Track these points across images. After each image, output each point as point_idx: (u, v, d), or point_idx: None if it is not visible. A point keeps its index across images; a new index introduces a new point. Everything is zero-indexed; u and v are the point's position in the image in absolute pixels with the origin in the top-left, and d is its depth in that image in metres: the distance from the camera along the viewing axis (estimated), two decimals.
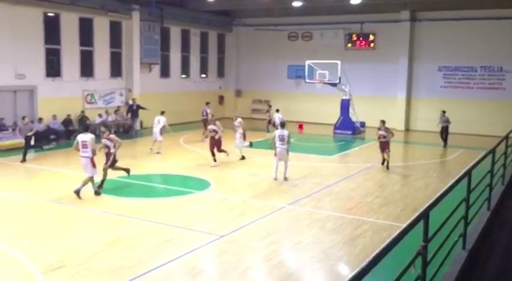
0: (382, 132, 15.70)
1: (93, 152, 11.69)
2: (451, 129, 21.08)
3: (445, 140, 20.87)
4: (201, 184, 13.28)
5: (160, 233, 9.38)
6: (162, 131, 18.06)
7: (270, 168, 14.25)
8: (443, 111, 21.05)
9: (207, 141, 16.69)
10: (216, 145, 15.95)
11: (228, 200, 11.95)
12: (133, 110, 23.06)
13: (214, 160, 15.78)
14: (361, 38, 27.44)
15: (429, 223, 4.35)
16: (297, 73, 28.25)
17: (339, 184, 13.89)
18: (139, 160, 16.91)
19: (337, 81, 24.69)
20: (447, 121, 20.82)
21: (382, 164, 15.92)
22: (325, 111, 27.58)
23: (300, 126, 26.33)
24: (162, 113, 18.60)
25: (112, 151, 12.44)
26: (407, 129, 26.47)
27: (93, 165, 11.68)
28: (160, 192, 13.01)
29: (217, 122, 16.31)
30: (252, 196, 12.11)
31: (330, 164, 16.98)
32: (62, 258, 8.02)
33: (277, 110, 23.35)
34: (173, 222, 10.03)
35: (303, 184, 13.80)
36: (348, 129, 24.40)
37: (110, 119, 22.57)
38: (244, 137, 17.72)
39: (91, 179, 11.74)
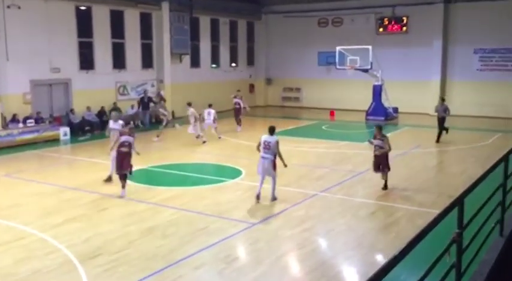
0: (377, 142, 11.58)
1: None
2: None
3: (439, 134, 17.47)
4: (233, 173, 13.35)
5: (193, 221, 9.50)
6: (216, 120, 18.57)
7: (303, 155, 14.17)
8: (443, 99, 18.40)
9: (241, 133, 17.08)
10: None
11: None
12: (145, 102, 22.53)
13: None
14: (393, 22, 26.87)
15: (464, 210, 4.25)
16: (328, 60, 27.94)
17: (371, 171, 13.73)
18: (171, 150, 17.12)
19: (369, 66, 24.32)
20: (446, 111, 17.51)
21: (383, 188, 11.61)
22: (356, 97, 27.23)
23: (331, 113, 26.13)
24: (210, 105, 18.97)
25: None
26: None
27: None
28: (193, 181, 13.14)
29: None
30: (284, 183, 12.09)
31: (361, 151, 16.77)
32: (98, 246, 8.23)
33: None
34: (206, 210, 10.14)
35: (335, 171, 13.70)
36: (380, 115, 24.04)
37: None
38: (197, 126, 18.06)
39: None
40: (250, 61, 31.24)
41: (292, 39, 29.89)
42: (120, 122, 13.54)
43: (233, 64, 29.81)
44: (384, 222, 9.51)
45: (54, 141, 18.49)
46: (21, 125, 18.06)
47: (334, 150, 16.65)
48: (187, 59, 26.22)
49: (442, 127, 17.50)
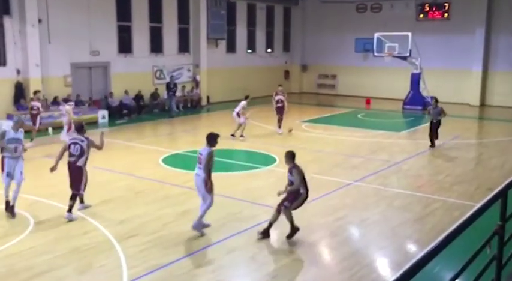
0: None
1: None
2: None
3: (432, 139, 14.76)
4: (267, 159, 13.35)
5: (227, 206, 9.57)
6: (240, 115, 16.11)
7: (337, 144, 14.05)
8: (436, 101, 14.86)
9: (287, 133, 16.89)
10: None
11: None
12: (171, 88, 21.76)
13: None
14: (434, 8, 26.14)
15: (507, 202, 4.14)
16: (365, 46, 27.47)
17: (407, 161, 13.50)
18: (204, 135, 17.21)
19: (408, 54, 23.79)
20: (441, 114, 14.57)
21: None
22: (394, 85, 26.74)
23: (367, 102, 25.75)
24: (246, 97, 16.67)
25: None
26: (482, 105, 25.15)
27: None
28: (226, 167, 13.21)
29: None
30: (317, 171, 12.03)
31: (398, 141, 16.51)
32: (134, 227, 8.41)
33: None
34: (239, 196, 10.19)
35: (370, 160, 13.53)
36: (418, 104, 23.53)
37: (179, 93, 23.12)
38: (69, 128, 14.47)
39: None
40: (286, 47, 31.02)
41: (329, 25, 29.49)
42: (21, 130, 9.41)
43: (269, 50, 29.67)
44: (420, 213, 9.35)
45: (93, 124, 18.90)
46: (61, 107, 18.49)
47: (370, 139, 16.43)
48: (223, 44, 26.24)
49: (435, 132, 14.69)
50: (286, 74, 31.03)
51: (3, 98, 17.48)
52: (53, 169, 8.84)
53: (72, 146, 8.87)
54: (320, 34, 29.97)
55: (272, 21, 29.62)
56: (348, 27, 28.67)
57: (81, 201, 9.31)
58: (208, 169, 8.03)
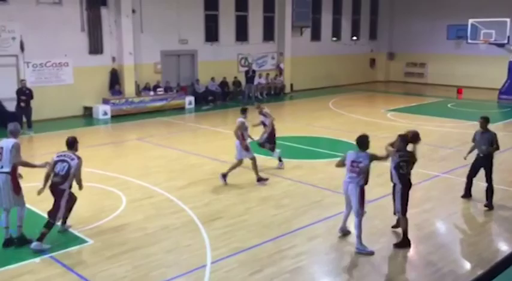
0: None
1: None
2: None
3: (487, 198, 8.95)
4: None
5: (308, 194, 9.59)
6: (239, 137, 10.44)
7: (425, 134, 13.36)
8: (485, 121, 9.64)
9: (359, 108, 16.35)
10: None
11: (378, 165, 11.63)
12: (249, 76, 21.99)
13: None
14: None
15: None
16: (458, 33, 26.02)
17: (501, 154, 12.68)
18: (288, 122, 17.30)
19: (505, 41, 22.25)
20: (491, 143, 9.24)
21: None
22: (488, 74, 25.16)
23: (459, 91, 24.50)
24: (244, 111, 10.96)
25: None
26: None
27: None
28: (308, 154, 13.21)
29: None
30: None
31: None
32: (218, 210, 8.70)
33: None
34: (321, 184, 10.17)
35: (460, 152, 12.87)
36: None
37: (262, 81, 23.37)
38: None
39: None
40: (373, 35, 30.20)
41: (419, 12, 28.26)
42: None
43: (354, 37, 29.04)
44: None
45: (180, 109, 19.69)
46: (152, 93, 19.44)
47: (461, 130, 15.63)
48: (307, 32, 26.06)
49: (488, 178, 9.05)
50: (372, 62, 30.27)
51: (100, 84, 18.65)
52: (39, 193, 7.17)
53: (59, 164, 7.15)
54: (409, 21, 28.82)
55: (358, 8, 28.91)
56: (439, 13, 27.29)
57: (63, 222, 7.63)
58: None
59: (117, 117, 17.95)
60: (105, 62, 18.79)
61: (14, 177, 7.09)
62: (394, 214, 7.49)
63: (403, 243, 7.27)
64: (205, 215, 8.39)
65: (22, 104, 15.36)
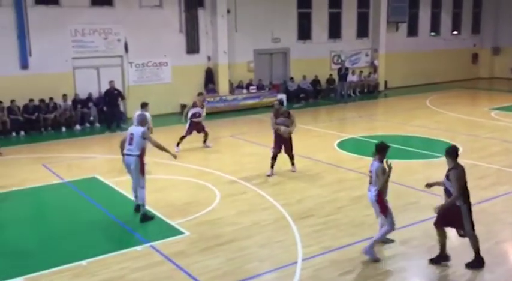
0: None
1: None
2: None
3: None
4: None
5: (403, 195, 9.28)
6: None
7: None
8: None
9: (459, 107, 15.54)
10: None
11: (479, 167, 11.03)
12: (341, 74, 21.18)
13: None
14: None
15: None
16: None
17: None
18: (380, 121, 16.85)
19: None
20: None
21: None
22: None
23: None
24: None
25: None
26: None
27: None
28: (403, 154, 12.77)
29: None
30: (506, 164, 10.91)
31: None
32: (310, 208, 8.70)
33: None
34: (417, 185, 9.76)
35: None
36: None
37: (355, 79, 22.95)
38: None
39: None
40: (475, 29, 28.45)
41: None
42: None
43: (455, 32, 27.55)
44: None
45: (272, 107, 19.82)
46: (244, 91, 19.86)
47: None
48: (404, 27, 25.18)
49: None
50: (474, 57, 28.54)
51: (196, 82, 19.37)
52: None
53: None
54: None
55: (460, 1, 27.37)
56: None
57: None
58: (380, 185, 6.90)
59: (211, 114, 18.49)
60: (201, 61, 19.49)
61: (141, 160, 8.17)
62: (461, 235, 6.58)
63: (476, 262, 6.51)
64: (296, 212, 8.43)
65: (107, 106, 16.22)
